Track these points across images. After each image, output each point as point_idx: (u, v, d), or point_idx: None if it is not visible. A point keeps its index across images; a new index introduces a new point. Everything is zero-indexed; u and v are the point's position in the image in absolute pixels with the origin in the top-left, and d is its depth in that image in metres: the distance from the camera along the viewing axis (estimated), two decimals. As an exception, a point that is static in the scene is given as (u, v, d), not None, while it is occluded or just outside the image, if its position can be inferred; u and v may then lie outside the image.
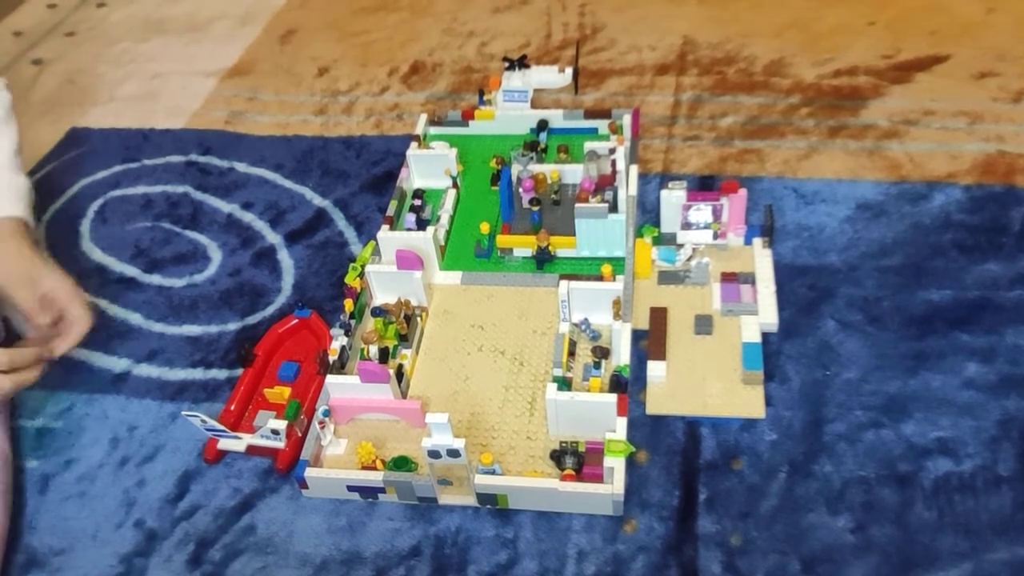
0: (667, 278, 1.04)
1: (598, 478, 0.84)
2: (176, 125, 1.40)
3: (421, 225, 1.12)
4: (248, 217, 1.21)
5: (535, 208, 1.09)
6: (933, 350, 0.95)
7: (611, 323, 0.97)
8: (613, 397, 0.87)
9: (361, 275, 1.03)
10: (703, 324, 0.98)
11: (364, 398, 0.92)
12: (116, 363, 1.05)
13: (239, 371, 1.01)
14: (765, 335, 0.97)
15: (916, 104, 1.26)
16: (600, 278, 0.99)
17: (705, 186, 1.16)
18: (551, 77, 1.20)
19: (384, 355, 0.96)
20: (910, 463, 0.86)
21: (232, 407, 0.96)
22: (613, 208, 1.05)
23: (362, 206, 1.20)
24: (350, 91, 1.44)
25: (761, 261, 1.04)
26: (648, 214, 1.13)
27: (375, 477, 0.86)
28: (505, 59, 1.21)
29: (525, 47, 1.45)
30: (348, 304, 1.00)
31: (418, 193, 1.17)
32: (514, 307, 1.04)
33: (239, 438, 0.92)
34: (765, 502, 0.84)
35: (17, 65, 1.59)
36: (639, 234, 1.07)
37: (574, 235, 1.06)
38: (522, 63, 1.21)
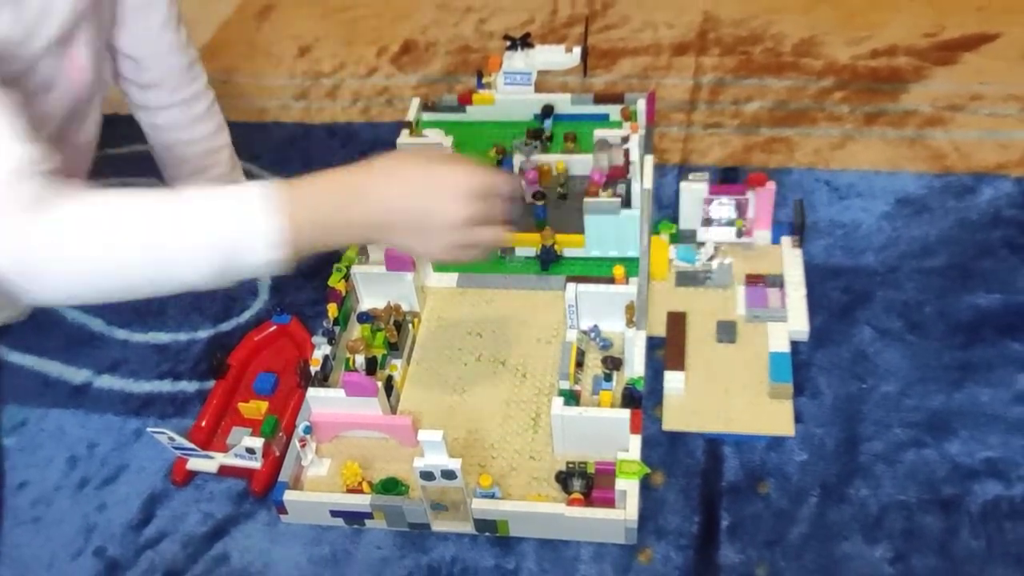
0: (686, 280, 1.04)
1: (609, 502, 0.84)
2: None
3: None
4: (221, 212, 1.21)
5: (539, 203, 1.09)
6: (981, 361, 0.95)
7: (623, 330, 0.96)
8: (626, 412, 0.87)
9: (346, 277, 1.03)
10: (726, 331, 0.99)
11: (349, 413, 0.92)
12: (75, 374, 1.04)
13: (211, 383, 1.01)
14: (794, 344, 0.97)
15: (962, 88, 1.26)
16: (611, 280, 0.99)
17: (728, 178, 1.17)
18: (557, 57, 1.20)
19: (372, 366, 0.96)
20: (955, 486, 0.86)
21: (203, 423, 0.96)
22: (626, 203, 1.04)
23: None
24: (334, 73, 1.44)
25: (790, 262, 1.04)
26: (665, 209, 1.13)
27: (361, 501, 0.86)
28: (506, 37, 1.21)
29: (528, 24, 1.45)
30: (332, 309, 1.00)
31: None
32: (516, 312, 1.04)
33: (211, 457, 0.92)
34: (794, 529, 0.84)
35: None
36: (655, 231, 1.07)
37: (582, 233, 1.06)
38: (525, 42, 1.21)
